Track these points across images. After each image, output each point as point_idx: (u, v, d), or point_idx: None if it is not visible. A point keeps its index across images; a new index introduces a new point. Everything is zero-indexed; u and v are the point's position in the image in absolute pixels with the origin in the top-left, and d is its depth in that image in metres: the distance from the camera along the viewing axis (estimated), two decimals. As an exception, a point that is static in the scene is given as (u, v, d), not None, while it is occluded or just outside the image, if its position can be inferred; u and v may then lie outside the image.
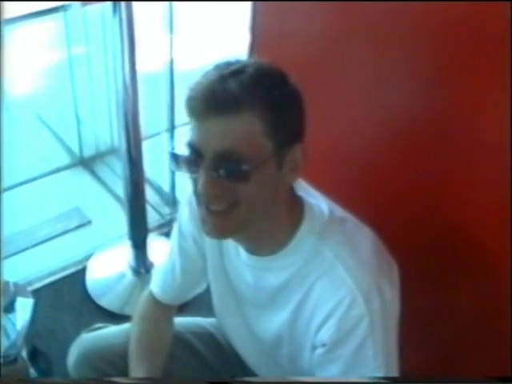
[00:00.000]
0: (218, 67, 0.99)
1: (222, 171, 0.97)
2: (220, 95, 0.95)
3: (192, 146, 1.00)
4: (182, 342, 1.41)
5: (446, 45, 1.14)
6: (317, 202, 1.13)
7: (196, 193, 1.02)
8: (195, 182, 1.01)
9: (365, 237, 1.11)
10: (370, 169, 1.39)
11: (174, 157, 1.03)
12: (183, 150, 1.01)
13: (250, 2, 1.56)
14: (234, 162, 0.96)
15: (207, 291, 1.35)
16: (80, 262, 2.36)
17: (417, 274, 1.27)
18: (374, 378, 1.02)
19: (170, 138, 2.44)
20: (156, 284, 1.38)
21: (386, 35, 1.24)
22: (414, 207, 1.33)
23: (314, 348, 1.10)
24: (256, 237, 1.10)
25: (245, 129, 0.96)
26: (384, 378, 1.02)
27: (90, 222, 2.57)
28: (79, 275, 2.30)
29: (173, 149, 1.02)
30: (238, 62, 1.01)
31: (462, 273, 1.29)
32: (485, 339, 1.29)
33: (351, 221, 1.13)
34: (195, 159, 0.99)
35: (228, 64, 1.00)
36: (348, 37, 1.34)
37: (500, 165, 1.11)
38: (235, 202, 1.00)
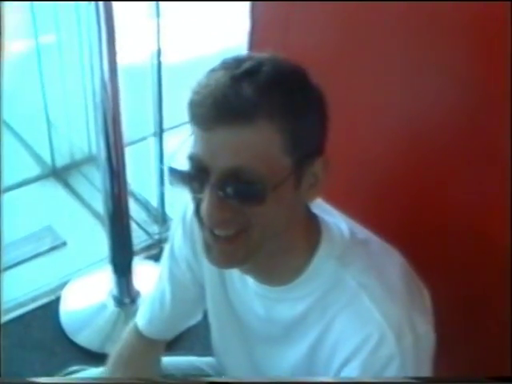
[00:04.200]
0: (226, 65, 0.96)
1: (231, 192, 0.96)
2: (232, 101, 0.92)
3: (196, 160, 0.97)
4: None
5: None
6: (335, 220, 1.12)
7: (199, 215, 1.01)
8: (198, 202, 1.00)
9: (393, 261, 1.10)
10: (388, 179, 1.41)
11: (173, 172, 1.01)
12: (184, 164, 0.99)
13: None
14: (247, 181, 0.95)
15: (202, 324, 1.35)
16: (53, 291, 2.36)
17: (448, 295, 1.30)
18: (374, 378, 1.02)
19: (157, 143, 2.44)
20: (142, 316, 1.39)
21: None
22: (439, 221, 1.36)
23: None
24: (267, 265, 1.08)
25: (261, 141, 0.94)
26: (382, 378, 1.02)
27: (64, 244, 2.57)
28: (52, 307, 2.29)
29: (170, 163, 1.01)
30: (250, 57, 0.97)
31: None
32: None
33: (376, 242, 1.12)
34: (199, 176, 0.97)
35: (238, 61, 0.96)
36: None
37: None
38: (245, 226, 0.99)
